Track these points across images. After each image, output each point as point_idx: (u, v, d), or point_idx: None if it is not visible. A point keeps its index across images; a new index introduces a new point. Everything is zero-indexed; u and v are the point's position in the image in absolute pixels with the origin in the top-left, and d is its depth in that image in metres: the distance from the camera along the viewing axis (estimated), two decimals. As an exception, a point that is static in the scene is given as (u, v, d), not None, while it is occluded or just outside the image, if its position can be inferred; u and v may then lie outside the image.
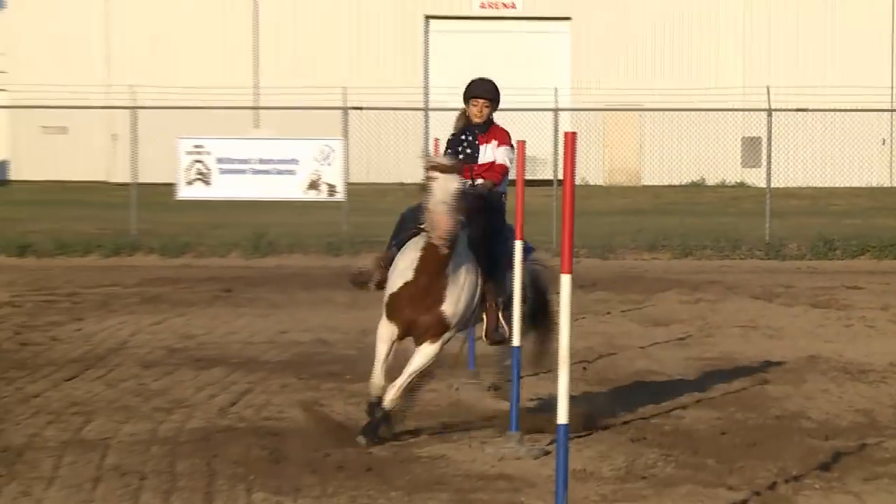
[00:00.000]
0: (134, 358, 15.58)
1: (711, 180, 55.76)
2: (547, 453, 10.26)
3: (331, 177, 32.55)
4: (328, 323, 18.51)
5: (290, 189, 32.74)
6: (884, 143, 54.28)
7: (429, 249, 10.86)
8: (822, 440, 11.51)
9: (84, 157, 53.29)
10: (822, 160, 47.31)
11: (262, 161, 33.33)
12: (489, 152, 11.78)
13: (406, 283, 11.00)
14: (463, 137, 11.87)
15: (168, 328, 18.07)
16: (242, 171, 33.50)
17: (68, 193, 46.23)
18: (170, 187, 32.56)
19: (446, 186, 10.70)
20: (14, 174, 56.99)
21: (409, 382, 11.28)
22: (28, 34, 58.03)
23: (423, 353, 11.23)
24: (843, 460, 10.71)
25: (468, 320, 11.57)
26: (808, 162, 44.53)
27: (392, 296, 11.10)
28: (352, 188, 32.34)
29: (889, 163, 55.61)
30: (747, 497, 9.67)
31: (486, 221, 11.45)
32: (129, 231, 30.50)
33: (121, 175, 44.27)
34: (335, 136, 32.97)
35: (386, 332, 11.14)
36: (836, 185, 50.04)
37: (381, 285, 11.57)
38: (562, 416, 8.29)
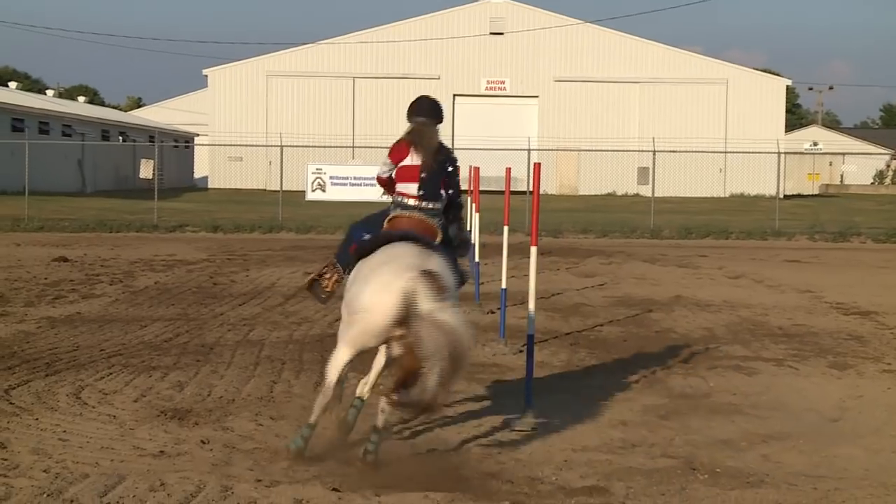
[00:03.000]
0: (279, 292, 15.56)
1: (619, 192, 55.73)
2: (521, 351, 10.16)
3: (396, 188, 32.86)
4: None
5: (372, 194, 33.05)
6: (720, 171, 54.43)
7: None
8: (683, 345, 11.43)
9: (252, 174, 53.44)
10: (684, 180, 47.16)
11: (355, 178, 33.41)
12: None
13: None
14: None
15: (298, 275, 18.03)
16: (344, 184, 33.58)
17: (242, 196, 46.28)
18: (301, 193, 32.58)
19: None
20: (211, 184, 57.55)
21: None
22: (219, 102, 58.19)
23: None
24: (695, 357, 10.64)
25: None
26: (675, 182, 44.35)
27: None
28: (408, 194, 32.42)
29: (723, 182, 55.68)
30: (638, 378, 9.60)
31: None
32: (277, 218, 30.50)
33: (274, 185, 44.30)
34: (398, 164, 33.23)
35: None
36: (692, 196, 49.99)
37: None
38: (530, 329, 8.25)
